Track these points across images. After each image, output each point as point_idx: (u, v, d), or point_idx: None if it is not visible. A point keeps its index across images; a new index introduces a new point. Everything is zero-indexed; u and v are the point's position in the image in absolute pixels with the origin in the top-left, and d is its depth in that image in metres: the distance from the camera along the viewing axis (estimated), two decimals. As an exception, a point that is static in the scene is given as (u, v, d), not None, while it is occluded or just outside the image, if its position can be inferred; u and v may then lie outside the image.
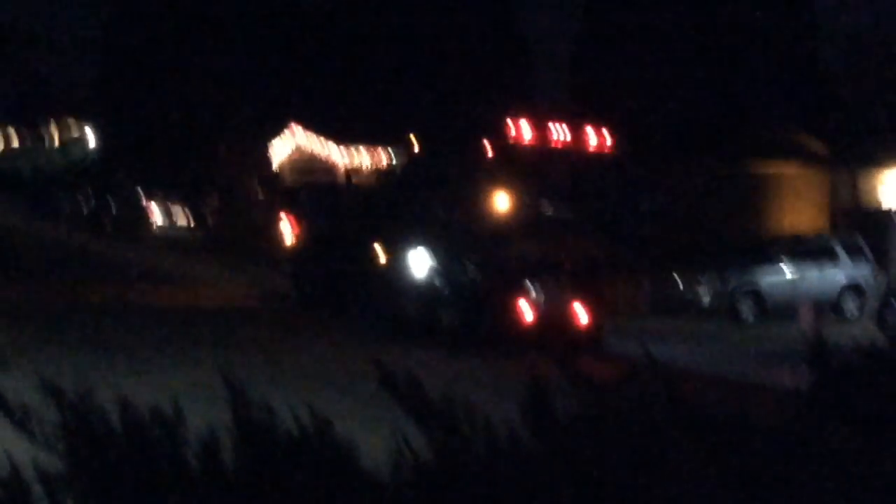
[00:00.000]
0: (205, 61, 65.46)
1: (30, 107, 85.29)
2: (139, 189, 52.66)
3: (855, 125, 43.77)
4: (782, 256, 33.95)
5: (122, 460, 3.70)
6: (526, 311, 25.66)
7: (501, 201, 26.49)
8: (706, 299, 33.45)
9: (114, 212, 50.89)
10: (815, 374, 4.38)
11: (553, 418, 4.33)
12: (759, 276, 33.44)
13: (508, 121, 27.52)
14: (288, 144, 60.33)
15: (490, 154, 26.84)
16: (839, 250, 34.44)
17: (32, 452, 3.76)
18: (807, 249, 34.55)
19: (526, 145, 26.58)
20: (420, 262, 27.28)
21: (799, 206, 41.90)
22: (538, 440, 4.20)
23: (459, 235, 27.05)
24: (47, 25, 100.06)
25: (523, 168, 26.47)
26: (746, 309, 33.19)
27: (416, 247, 27.45)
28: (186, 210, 50.20)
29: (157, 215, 50.39)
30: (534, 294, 25.78)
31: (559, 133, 26.99)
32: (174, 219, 50.12)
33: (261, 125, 59.28)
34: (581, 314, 26.07)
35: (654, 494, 3.60)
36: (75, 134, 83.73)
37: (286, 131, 59.68)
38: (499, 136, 27.12)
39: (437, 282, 26.81)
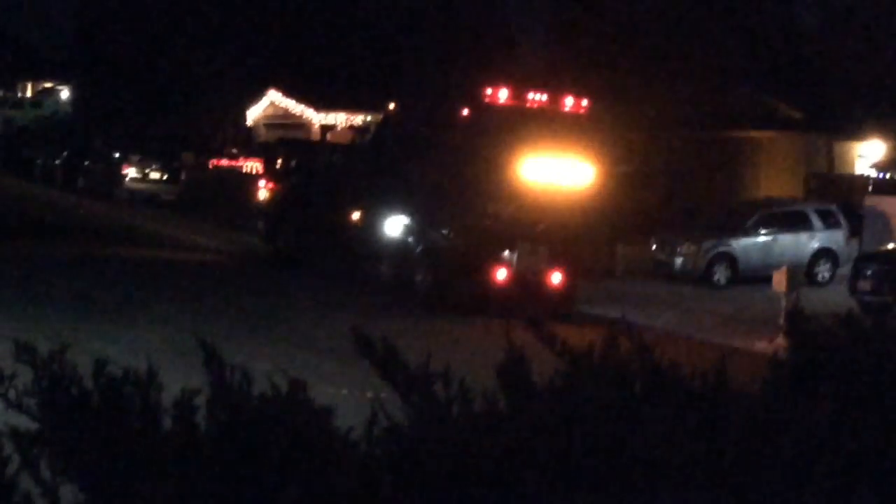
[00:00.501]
0: (183, 24, 65.20)
1: (4, 66, 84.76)
2: (112, 146, 52.37)
3: (831, 92, 43.85)
4: (755, 220, 34.08)
5: (96, 421, 3.67)
6: (499, 273, 25.63)
7: (476, 164, 26.35)
8: (679, 263, 33.55)
9: (87, 167, 50.58)
10: (793, 341, 4.37)
11: (529, 383, 4.33)
12: (732, 240, 33.56)
13: (483, 82, 27.44)
14: (263, 102, 60.14)
15: (465, 115, 26.71)
16: (812, 215, 34.63)
17: (4, 413, 3.73)
18: (780, 214, 34.73)
19: (500, 106, 26.44)
20: (395, 222, 27.17)
21: (773, 171, 42.05)
22: (515, 406, 4.20)
23: (434, 196, 26.78)
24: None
25: (498, 130, 26.31)
26: (719, 273, 33.34)
27: (390, 206, 27.31)
28: (160, 168, 49.93)
29: (130, 172, 50.11)
30: (507, 256, 25.73)
31: (535, 95, 26.88)
32: (148, 176, 49.86)
33: (239, 90, 59.11)
34: (554, 278, 26.06)
35: (631, 459, 3.60)
36: (48, 85, 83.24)
37: (264, 96, 59.50)
38: (473, 97, 27.00)
39: (410, 242, 26.69)
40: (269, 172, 38.31)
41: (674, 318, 26.34)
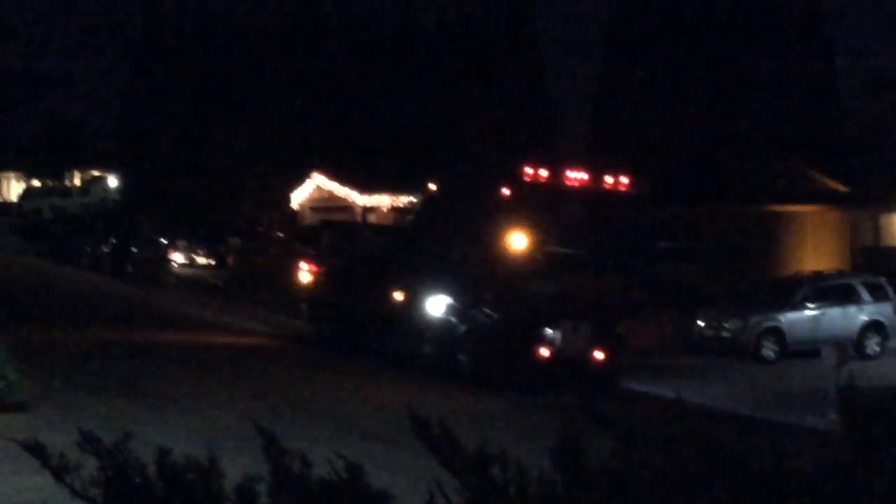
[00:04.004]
0: (227, 109, 65.99)
1: (53, 153, 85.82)
2: (160, 232, 52.82)
3: (875, 165, 43.80)
4: (803, 294, 33.91)
5: (159, 509, 3.73)
6: (542, 351, 25.50)
7: (517, 242, 26.38)
8: (728, 338, 33.37)
9: (135, 254, 50.97)
10: (847, 417, 4.38)
11: (584, 465, 4.34)
12: (779, 314, 33.39)
13: (524, 163, 27.62)
14: (308, 185, 60.53)
15: (506, 195, 26.82)
16: (860, 288, 34.44)
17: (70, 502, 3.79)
18: (827, 287, 34.53)
19: (540, 186, 26.55)
20: (437, 303, 27.15)
21: (819, 245, 41.93)
22: (570, 488, 4.22)
23: (476, 276, 26.90)
24: (71, 73, 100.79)
25: (539, 210, 26.37)
26: (767, 347, 33.13)
27: (433, 287, 27.32)
28: (206, 252, 50.28)
29: (177, 257, 50.48)
30: (550, 334, 25.61)
31: (574, 175, 27.03)
32: (195, 261, 50.20)
33: (283, 174, 59.65)
34: (597, 354, 25.90)
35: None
36: (95, 173, 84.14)
37: (308, 179, 59.92)
38: (514, 178, 27.12)
39: (453, 322, 26.64)
40: (312, 255, 38.35)
41: (723, 394, 26.16)
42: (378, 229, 38.90)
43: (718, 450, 4.11)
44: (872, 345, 33.77)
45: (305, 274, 36.36)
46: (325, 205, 58.98)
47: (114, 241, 51.93)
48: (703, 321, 34.10)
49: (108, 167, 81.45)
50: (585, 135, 67.25)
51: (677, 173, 55.63)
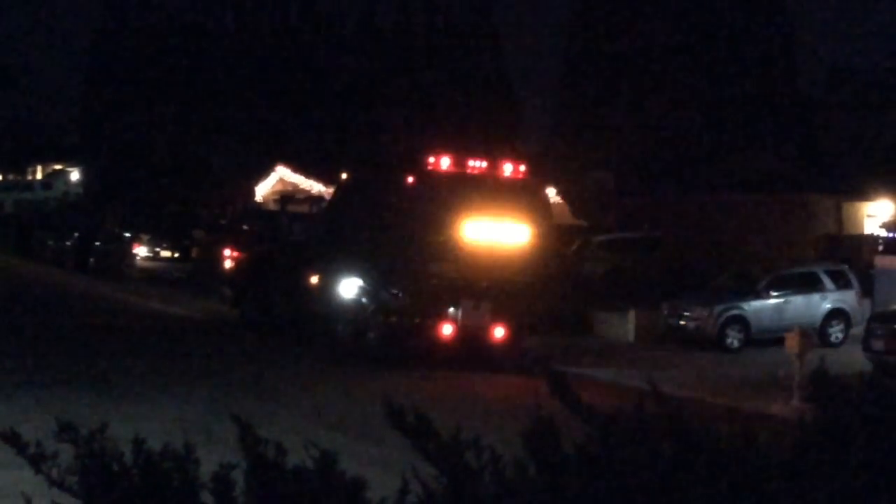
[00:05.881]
0: (191, 102, 65.79)
1: (15, 147, 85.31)
2: (123, 226, 52.56)
3: (837, 153, 44.05)
4: (766, 283, 34.11)
5: (137, 497, 3.72)
6: (445, 328, 27.43)
7: (423, 227, 27.98)
8: (691, 326, 33.55)
9: (98, 247, 50.71)
10: (817, 404, 4.42)
11: (558, 451, 4.37)
12: (743, 303, 33.58)
13: (426, 150, 29.15)
14: (272, 178, 60.47)
15: (411, 183, 28.21)
16: (823, 276, 34.67)
17: (45, 490, 3.79)
18: (791, 275, 34.76)
19: (442, 173, 27.75)
20: (349, 285, 28.88)
21: (782, 233, 42.10)
22: (545, 473, 4.24)
23: (385, 260, 28.46)
24: (32, 67, 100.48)
25: (444, 196, 27.91)
26: (732, 336, 33.31)
27: (345, 271, 29.07)
28: (170, 246, 50.09)
29: (140, 251, 50.24)
30: (452, 312, 27.46)
31: (474, 162, 28.49)
32: (158, 254, 49.99)
33: (247, 167, 59.65)
34: (497, 332, 27.87)
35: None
36: (58, 167, 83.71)
37: (272, 172, 59.92)
38: (418, 167, 28.19)
39: (364, 302, 28.46)
40: (234, 241, 40.01)
41: (687, 382, 26.29)
42: (295, 216, 39.90)
43: (693, 433, 4.14)
44: (836, 332, 34.03)
45: (227, 260, 38.61)
46: (289, 196, 58.86)
47: (77, 235, 51.68)
48: (668, 311, 34.26)
49: (71, 161, 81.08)
50: (549, 124, 67.34)
51: (643, 163, 55.85)
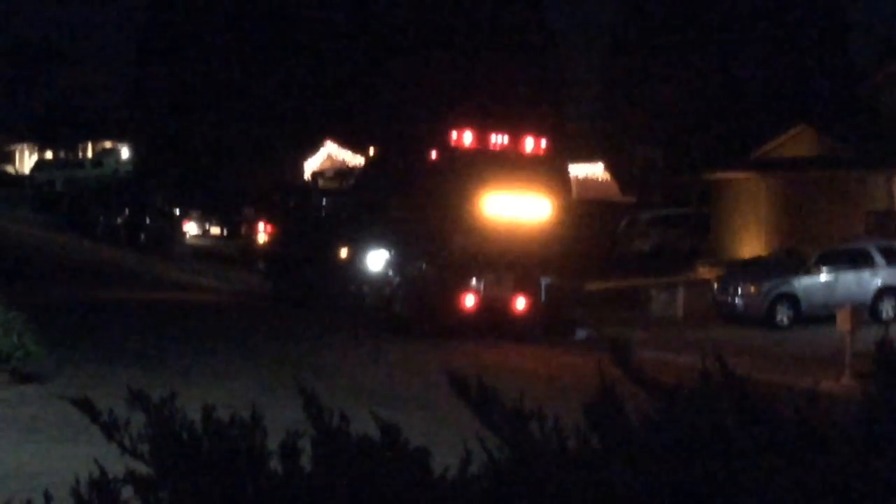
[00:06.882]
0: (240, 80, 65.92)
1: (65, 125, 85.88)
2: (173, 203, 52.91)
3: (887, 128, 43.64)
4: (816, 259, 33.90)
5: (206, 464, 3.78)
6: (467, 299, 28.27)
7: (447, 202, 28.64)
8: (741, 304, 33.42)
9: (148, 224, 51.06)
10: (881, 379, 4.41)
11: (624, 423, 4.37)
12: (793, 280, 33.41)
13: (451, 127, 29.53)
14: (321, 154, 60.58)
15: (434, 158, 28.55)
16: (874, 252, 34.41)
17: (119, 458, 3.85)
18: (841, 252, 34.50)
19: (465, 149, 28.46)
20: (376, 258, 29.81)
21: (832, 210, 41.79)
22: (609, 444, 4.26)
23: (411, 233, 29.19)
24: (83, 45, 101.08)
25: (467, 171, 28.44)
26: (781, 313, 33.17)
27: (373, 244, 29.94)
28: (220, 223, 50.41)
29: (190, 228, 50.58)
30: (475, 284, 28.33)
31: (498, 138, 28.97)
32: (208, 231, 50.34)
33: (296, 144, 59.77)
34: (519, 303, 28.70)
35: (732, 492, 3.66)
36: (108, 145, 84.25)
37: (321, 148, 60.02)
38: (442, 141, 28.91)
39: (390, 275, 29.39)
40: (268, 216, 40.54)
41: (736, 360, 26.23)
42: (324, 191, 40.16)
43: (755, 404, 4.15)
44: (887, 309, 33.80)
45: (261, 234, 39.75)
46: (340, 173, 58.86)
47: (127, 211, 52.07)
48: (718, 288, 34.16)
49: (121, 139, 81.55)
50: (597, 99, 67.07)
51: (688, 140, 55.58)
